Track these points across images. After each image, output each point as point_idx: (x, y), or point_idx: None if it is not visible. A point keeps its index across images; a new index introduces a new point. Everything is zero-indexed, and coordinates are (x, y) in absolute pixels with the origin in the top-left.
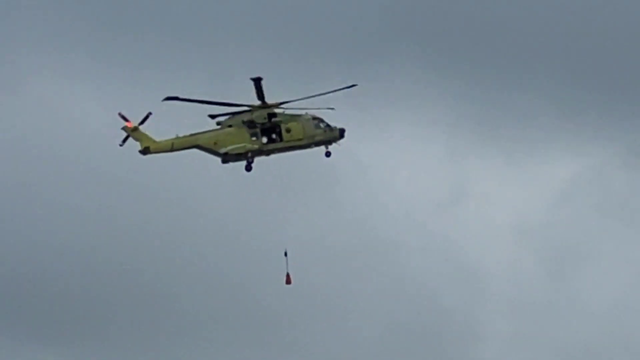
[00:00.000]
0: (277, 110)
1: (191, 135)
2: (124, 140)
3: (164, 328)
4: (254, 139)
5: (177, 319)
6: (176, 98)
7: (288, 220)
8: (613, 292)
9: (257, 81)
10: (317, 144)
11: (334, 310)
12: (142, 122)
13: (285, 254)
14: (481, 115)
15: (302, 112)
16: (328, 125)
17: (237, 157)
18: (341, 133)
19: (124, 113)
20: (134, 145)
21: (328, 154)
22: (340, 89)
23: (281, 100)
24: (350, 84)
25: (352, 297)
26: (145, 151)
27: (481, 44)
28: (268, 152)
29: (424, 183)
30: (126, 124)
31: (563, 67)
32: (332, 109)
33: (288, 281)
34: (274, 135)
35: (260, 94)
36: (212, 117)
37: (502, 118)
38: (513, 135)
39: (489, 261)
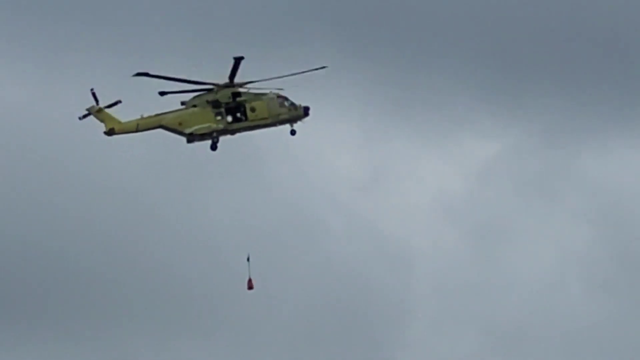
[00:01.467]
0: (241, 90)
1: (156, 115)
2: (85, 116)
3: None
4: (218, 118)
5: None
6: (146, 74)
7: (214, 202)
8: (535, 268)
9: (238, 60)
10: (282, 122)
11: (259, 291)
12: (109, 107)
13: (248, 259)
14: (397, 97)
15: (267, 90)
16: (293, 104)
17: (202, 136)
18: (305, 111)
19: (96, 91)
20: (98, 126)
21: (293, 132)
22: (309, 71)
23: (247, 80)
24: (320, 66)
25: (276, 278)
26: (110, 132)
27: (397, 26)
28: (233, 132)
29: (342, 165)
30: (92, 105)
31: (479, 48)
32: (281, 89)
33: (250, 287)
34: (238, 115)
35: (233, 73)
36: (162, 94)
37: (418, 100)
38: (430, 117)
39: (412, 241)
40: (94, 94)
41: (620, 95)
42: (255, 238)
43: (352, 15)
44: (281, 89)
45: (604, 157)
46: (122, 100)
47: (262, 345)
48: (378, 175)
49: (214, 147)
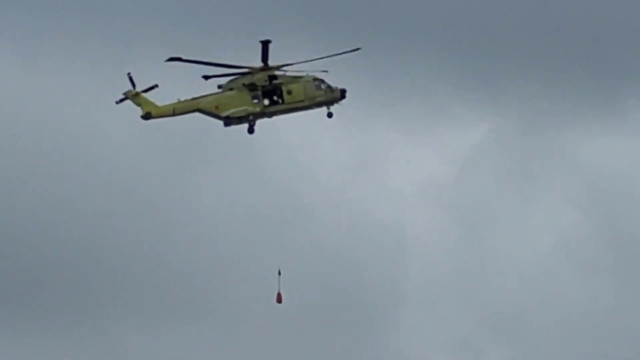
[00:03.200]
0: (277, 73)
1: (192, 99)
2: (122, 100)
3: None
4: (255, 101)
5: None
6: (179, 59)
7: (204, 186)
8: (524, 251)
9: (266, 44)
10: (319, 105)
11: (251, 274)
12: (145, 91)
13: (279, 273)
14: (381, 85)
15: (303, 73)
16: (329, 86)
17: (239, 120)
18: (342, 93)
19: (132, 75)
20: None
21: (330, 115)
22: (343, 52)
23: (282, 63)
24: (355, 48)
25: (266, 264)
26: (147, 116)
27: (378, 16)
28: (270, 114)
29: (325, 153)
30: (130, 88)
31: (459, 36)
32: (326, 71)
33: (279, 300)
34: (275, 98)
35: (265, 57)
36: (206, 77)
37: (399, 88)
38: (411, 105)
39: (401, 226)
40: (130, 78)
41: (599, 78)
42: (245, 223)
43: (330, 5)
44: (326, 71)
45: (586, 141)
46: (158, 84)
47: (252, 332)
48: (362, 162)
49: (250, 130)
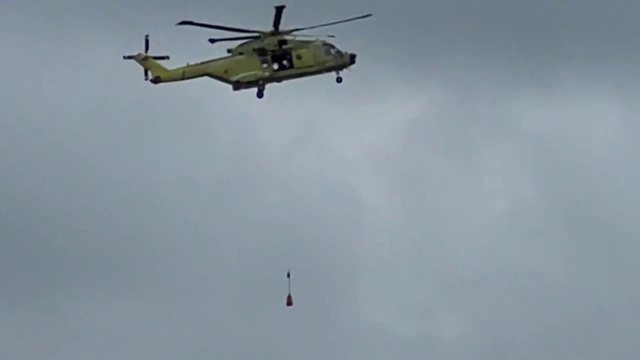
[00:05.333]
0: (287, 37)
1: (202, 63)
2: (130, 57)
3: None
4: (264, 66)
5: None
6: (190, 22)
7: (155, 154)
8: (470, 217)
9: (280, 9)
10: (328, 70)
11: (206, 244)
12: (147, 49)
13: (288, 275)
14: None
15: (313, 38)
16: (339, 51)
17: (248, 84)
18: (352, 59)
19: (150, 39)
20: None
21: (339, 80)
22: (354, 18)
23: (293, 28)
24: (365, 14)
25: (221, 230)
26: (156, 80)
27: None
28: (279, 79)
29: (273, 120)
30: (139, 52)
31: (396, 7)
32: (332, 36)
33: (289, 302)
34: (284, 62)
35: (277, 22)
36: (212, 41)
37: None
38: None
39: (352, 193)
40: (147, 41)
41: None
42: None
43: None
44: (332, 36)
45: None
46: (169, 57)
47: (208, 303)
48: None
49: (260, 94)
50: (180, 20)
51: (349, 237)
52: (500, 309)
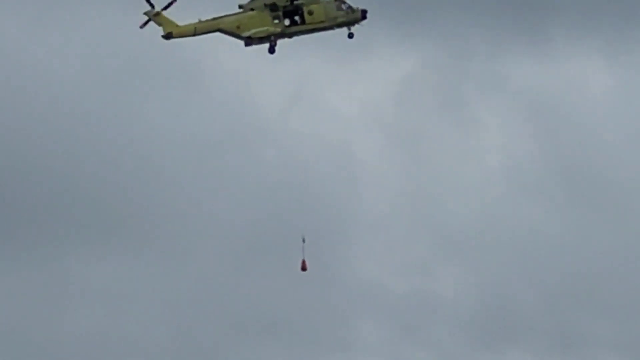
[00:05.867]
0: None
1: (213, 19)
2: (145, 24)
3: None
4: (276, 22)
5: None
6: None
7: (150, 111)
8: (466, 172)
9: None
10: (339, 25)
11: (199, 201)
12: (165, 8)
13: (303, 241)
14: None
15: None
16: (350, 7)
17: (260, 40)
18: (363, 14)
19: None
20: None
21: (350, 36)
22: None
23: None
24: None
25: (215, 189)
26: (168, 36)
27: None
28: (290, 35)
29: (265, 85)
30: (149, 9)
31: None
32: None
33: (304, 268)
34: (296, 18)
35: None
36: None
37: None
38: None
39: (348, 150)
40: (171, 2)
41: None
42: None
43: None
44: None
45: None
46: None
47: (199, 259)
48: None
49: (271, 50)
50: None
51: (344, 194)
52: (496, 264)
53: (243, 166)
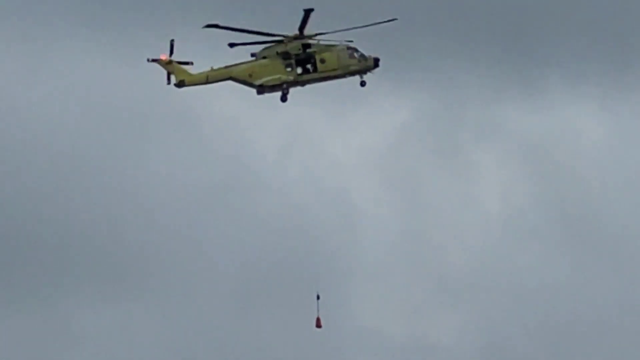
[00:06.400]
0: (311, 41)
1: (226, 67)
2: (153, 61)
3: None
4: (288, 70)
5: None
6: (216, 26)
7: (150, 158)
8: (463, 220)
9: (308, 12)
10: (352, 73)
11: (201, 247)
12: (172, 53)
13: (318, 297)
14: None
15: (337, 42)
16: (362, 55)
17: (272, 88)
18: (376, 62)
19: (175, 43)
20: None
21: (363, 84)
22: (379, 23)
23: (316, 32)
24: (390, 18)
25: (216, 235)
26: (180, 84)
27: None
28: (303, 83)
29: (264, 126)
30: (161, 56)
31: (385, 12)
32: (351, 41)
33: (318, 325)
34: (308, 66)
35: (303, 25)
36: (232, 45)
37: None
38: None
39: (346, 197)
40: (172, 45)
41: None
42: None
43: None
44: (350, 41)
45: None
46: (193, 63)
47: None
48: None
49: (283, 98)
50: (206, 24)
51: (343, 240)
52: (495, 310)
53: (242, 213)
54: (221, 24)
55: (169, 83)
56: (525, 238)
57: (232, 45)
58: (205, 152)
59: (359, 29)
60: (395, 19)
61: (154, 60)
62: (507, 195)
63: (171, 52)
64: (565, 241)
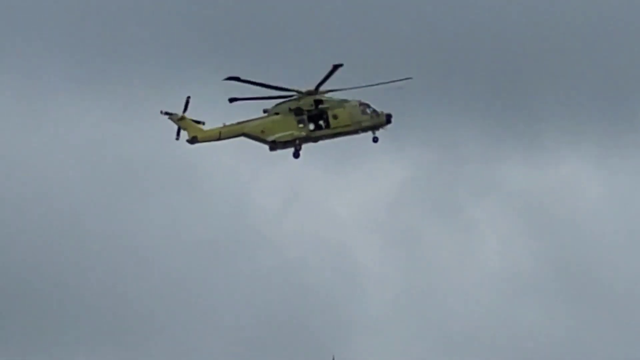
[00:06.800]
0: (323, 97)
1: (238, 123)
2: (166, 114)
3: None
4: (301, 126)
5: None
6: (237, 79)
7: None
8: (464, 275)
9: (336, 67)
10: (364, 129)
11: (201, 301)
12: (186, 109)
13: None
14: None
15: (349, 97)
16: (375, 111)
17: (284, 144)
18: (388, 118)
19: (190, 100)
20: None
21: (375, 140)
22: (394, 81)
23: (330, 88)
24: (405, 77)
25: (218, 289)
26: (192, 140)
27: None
28: (315, 139)
29: (266, 182)
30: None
31: (384, 65)
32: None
33: None
34: (321, 122)
35: (325, 80)
36: (232, 100)
37: None
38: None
39: (346, 253)
40: (187, 102)
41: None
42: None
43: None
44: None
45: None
46: (205, 122)
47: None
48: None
49: (296, 154)
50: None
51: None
52: None
53: (242, 269)
54: (242, 77)
55: (177, 139)
56: (525, 293)
57: (232, 100)
58: (203, 207)
59: (372, 87)
60: (410, 78)
61: (167, 114)
62: (507, 251)
63: (185, 109)
64: (566, 297)
